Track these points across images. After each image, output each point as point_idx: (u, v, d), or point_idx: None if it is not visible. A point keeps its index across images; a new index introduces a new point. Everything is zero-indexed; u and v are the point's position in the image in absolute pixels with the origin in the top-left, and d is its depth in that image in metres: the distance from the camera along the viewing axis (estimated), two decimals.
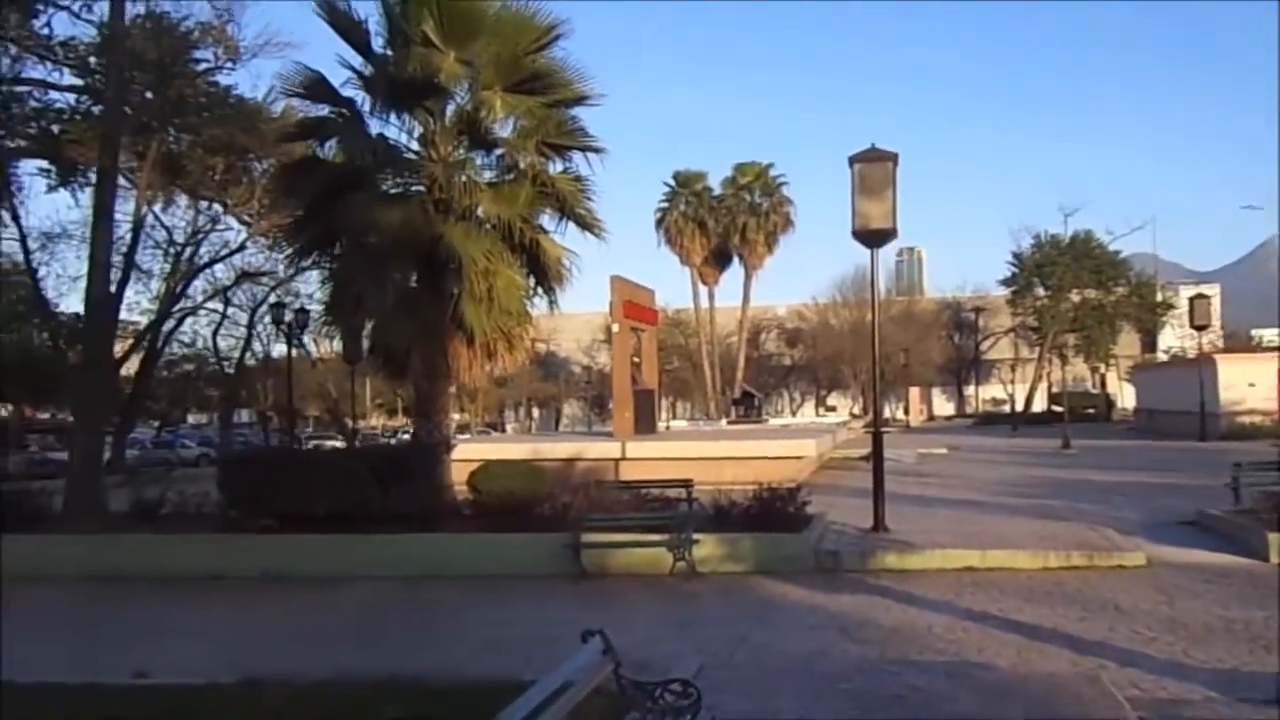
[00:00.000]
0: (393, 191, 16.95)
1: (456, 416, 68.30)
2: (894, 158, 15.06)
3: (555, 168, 17.61)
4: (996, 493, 20.86)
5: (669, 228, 66.94)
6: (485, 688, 7.60)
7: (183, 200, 36.60)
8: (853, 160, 14.97)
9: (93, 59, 31.01)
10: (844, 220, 15.08)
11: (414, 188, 17.01)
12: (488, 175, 17.40)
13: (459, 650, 10.12)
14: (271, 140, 26.56)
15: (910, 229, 67.85)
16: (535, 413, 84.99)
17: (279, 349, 46.94)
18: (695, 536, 13.52)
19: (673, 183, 68.17)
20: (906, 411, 73.36)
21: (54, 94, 32.73)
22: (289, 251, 17.44)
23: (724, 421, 52.15)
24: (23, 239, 32.98)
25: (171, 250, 37.08)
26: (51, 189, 33.85)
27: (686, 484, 16.26)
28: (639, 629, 10.40)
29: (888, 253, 26.44)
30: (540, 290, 17.93)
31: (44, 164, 33.63)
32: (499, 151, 17.42)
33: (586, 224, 17.70)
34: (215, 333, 43.56)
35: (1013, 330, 79.40)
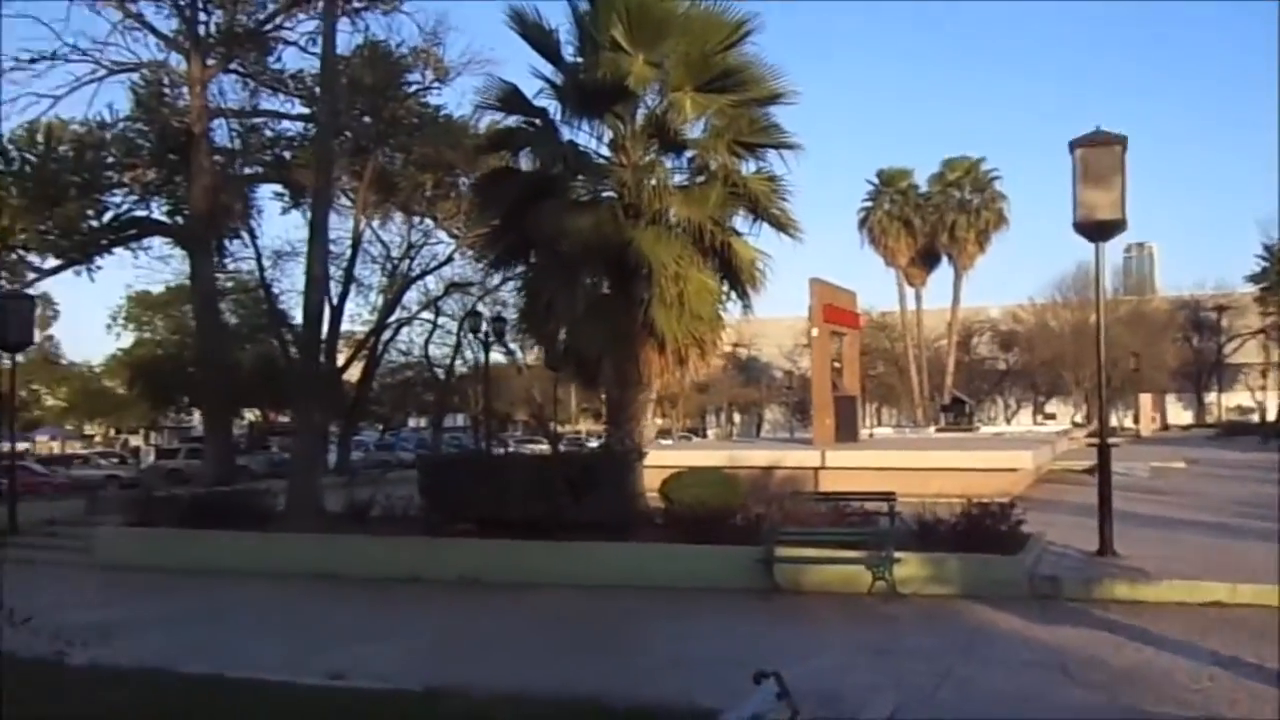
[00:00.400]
0: (583, 198, 16.94)
1: (659, 421, 68.94)
2: (1122, 141, 13.62)
3: (748, 168, 17.12)
4: (1247, 515, 18.56)
5: (873, 228, 64.89)
6: (659, 714, 7.21)
7: (397, 216, 38.49)
8: (1074, 145, 13.65)
9: (318, 89, 33.06)
10: (1064, 214, 13.76)
11: (604, 193, 16.94)
12: (678, 178, 17.11)
13: (641, 665, 9.78)
14: (473, 154, 27.37)
15: (1140, 222, 62.70)
16: (736, 418, 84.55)
17: (492, 356, 48.90)
18: (897, 554, 12.64)
19: (876, 181, 66.07)
20: (1137, 420, 67.79)
21: (285, 123, 35.18)
22: (486, 261, 17.78)
23: (932, 429, 49.91)
24: (258, 257, 35.57)
25: (389, 264, 39.10)
26: (285, 211, 36.38)
27: (889, 496, 15.34)
28: (831, 654, 9.73)
29: (1114, 247, 24.36)
30: (733, 294, 17.47)
31: (278, 188, 36.19)
32: (689, 153, 17.10)
33: (781, 224, 17.09)
34: (427, 341, 45.75)
35: (1262, 331, 71.94)
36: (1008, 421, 75.69)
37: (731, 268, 16.91)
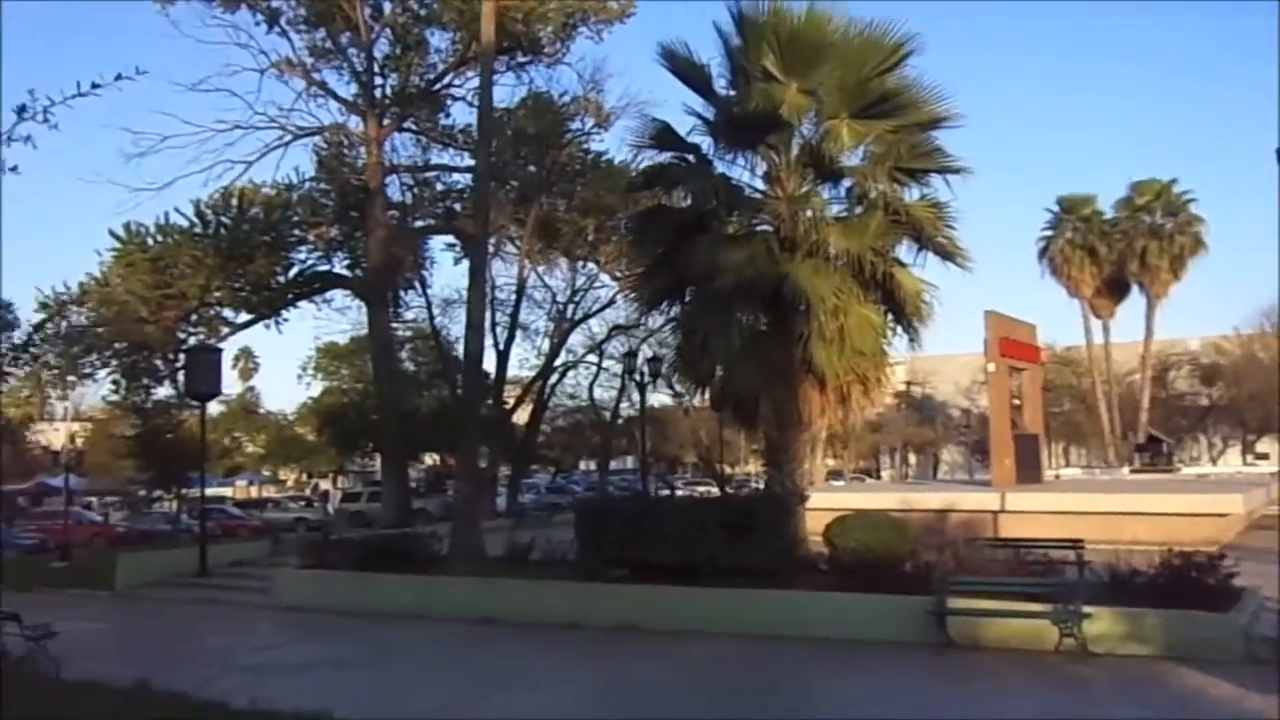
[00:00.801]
0: (737, 232, 16.51)
1: (830, 462, 67.14)
2: None
3: (910, 195, 16.30)
4: None
5: (1054, 257, 61.40)
6: None
7: (561, 262, 39.16)
8: None
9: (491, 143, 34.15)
10: (1270, 235, 12.27)
11: (759, 227, 16.48)
12: (835, 208, 16.51)
13: None
14: (626, 194, 27.49)
15: None
16: (912, 459, 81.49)
17: (658, 398, 48.84)
18: (1086, 609, 11.43)
19: (1057, 208, 62.68)
20: None
21: (455, 176, 36.51)
22: (640, 301, 17.57)
23: (1125, 470, 46.36)
24: (428, 306, 36.84)
25: (554, 309, 39.79)
26: (456, 262, 37.66)
27: (1076, 544, 14.09)
28: None
29: None
30: (899, 328, 16.58)
31: (449, 239, 37.51)
32: (847, 182, 16.43)
33: (948, 253, 16.15)
34: (592, 384, 46.22)
35: None
36: (1213, 461, 69.66)
37: (895, 300, 16.07)
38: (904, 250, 16.40)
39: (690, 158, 16.95)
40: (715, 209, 16.48)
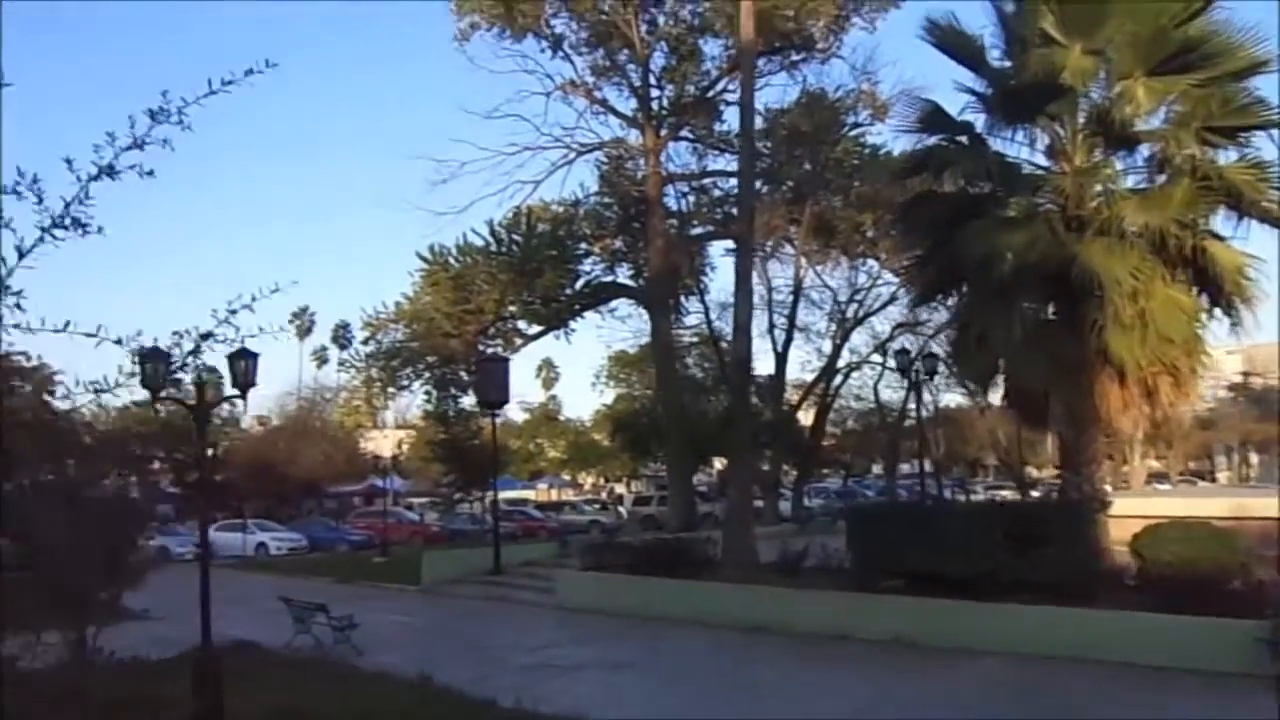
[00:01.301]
0: (1015, 214, 15.03)
1: (1152, 464, 60.85)
2: None
3: (1225, 157, 14.17)
4: None
5: None
6: None
7: (841, 260, 38.07)
8: None
9: (765, 144, 33.96)
10: None
11: (1040, 207, 14.96)
12: (1130, 179, 14.67)
13: None
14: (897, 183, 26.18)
15: None
16: (1253, 458, 72.13)
17: (953, 398, 46.31)
18: None
19: None
20: None
21: (731, 181, 36.54)
22: (913, 295, 16.47)
23: None
24: (705, 311, 37.04)
25: (835, 308, 38.75)
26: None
27: None
28: None
29: None
30: (1217, 310, 14.46)
31: (728, 245, 37.59)
32: (1145, 149, 14.57)
33: (1276, 219, 13.89)
34: (876, 384, 44.52)
35: None
36: None
37: (1209, 278, 14.01)
38: (1219, 221, 14.27)
39: (962, 138, 15.68)
40: (991, 191, 15.15)
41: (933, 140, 15.92)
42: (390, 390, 40.02)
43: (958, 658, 12.45)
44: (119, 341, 5.18)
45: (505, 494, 62.82)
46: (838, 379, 40.85)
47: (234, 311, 5.95)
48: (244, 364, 9.68)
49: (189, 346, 6.12)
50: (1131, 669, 11.05)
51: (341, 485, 52.24)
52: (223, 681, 8.75)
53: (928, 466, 30.39)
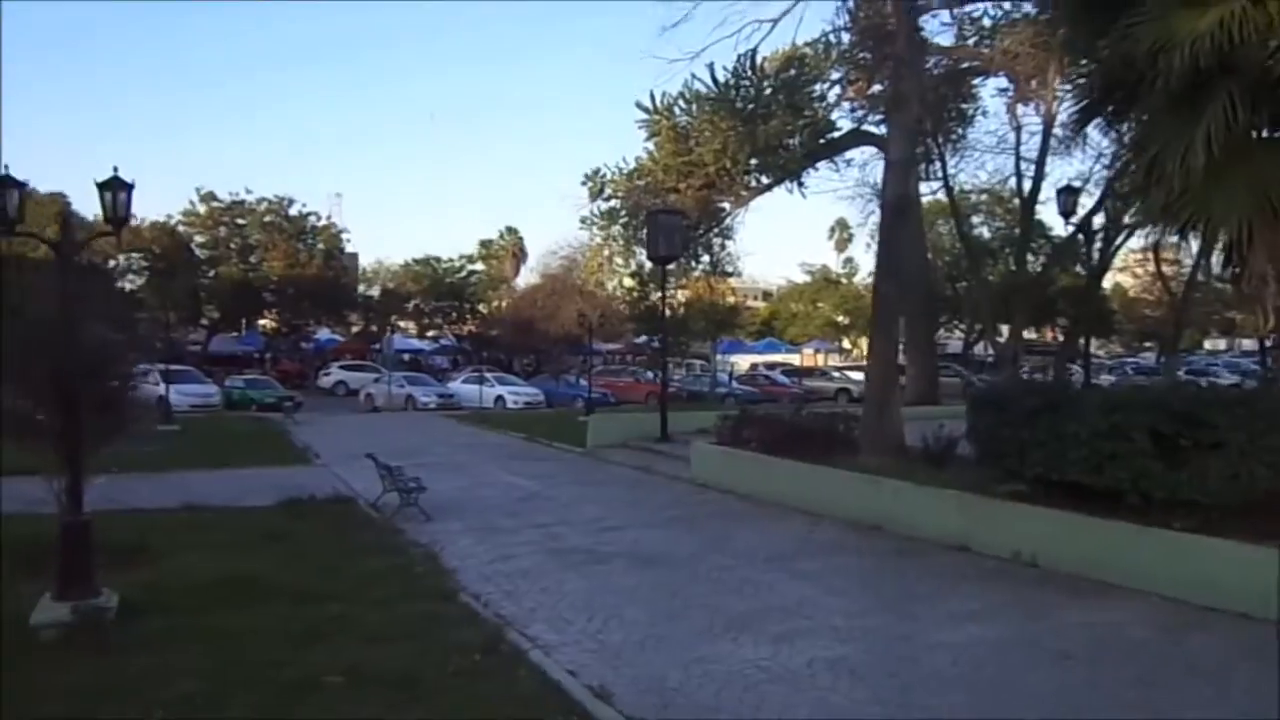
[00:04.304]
0: None
1: None
2: None
3: None
4: None
5: None
6: None
7: None
8: None
9: None
10: None
11: None
12: None
13: None
14: None
15: None
16: None
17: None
18: None
19: None
20: None
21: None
22: (1072, 113, 12.27)
23: None
24: (943, 165, 32.62)
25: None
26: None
27: None
28: None
29: None
30: None
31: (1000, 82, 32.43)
32: None
33: None
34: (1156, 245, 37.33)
35: None
36: None
37: None
38: None
39: None
40: None
41: None
42: (633, 249, 39.19)
43: (1095, 592, 9.53)
44: None
45: (768, 357, 61.44)
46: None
47: None
48: (115, 195, 8.53)
49: None
50: None
51: (606, 343, 52.91)
52: (90, 549, 7.96)
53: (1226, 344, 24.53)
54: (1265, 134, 10.36)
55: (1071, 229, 29.20)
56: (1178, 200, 10.11)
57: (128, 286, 48.22)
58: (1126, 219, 29.44)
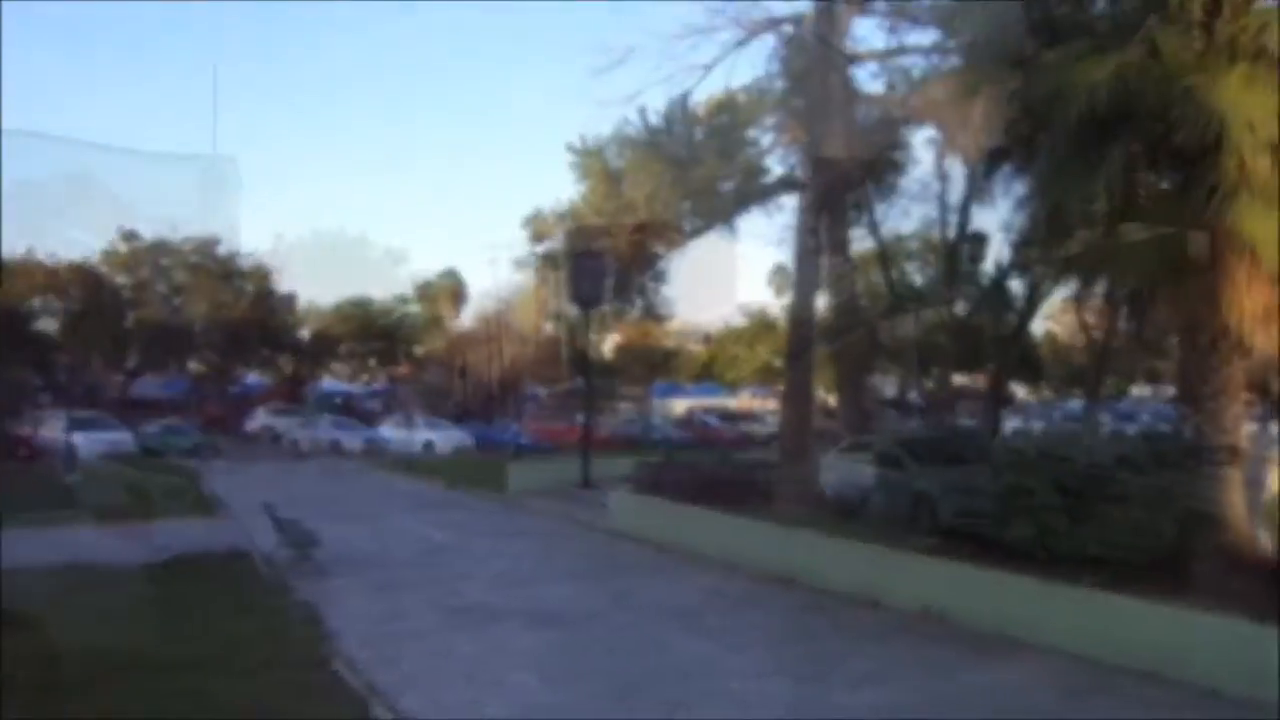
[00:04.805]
0: (1102, 30, 10.45)
1: None
2: None
3: None
4: None
5: None
6: None
7: None
8: None
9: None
10: None
11: (1135, 27, 10.29)
12: None
13: None
14: None
15: None
16: None
17: None
18: None
19: None
20: None
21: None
22: (978, 158, 12.24)
23: None
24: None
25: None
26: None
27: None
28: None
29: None
30: None
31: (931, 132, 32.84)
32: None
33: None
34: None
35: None
36: None
37: None
38: None
39: None
40: (1068, 10, 10.73)
41: None
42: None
43: (1008, 651, 9.21)
44: None
45: (705, 400, 61.17)
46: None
47: None
48: None
49: None
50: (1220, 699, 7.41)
51: (552, 384, 52.14)
52: None
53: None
54: (1165, 185, 10.34)
55: (993, 277, 29.55)
56: (1082, 254, 10.02)
57: (45, 329, 46.79)
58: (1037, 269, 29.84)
